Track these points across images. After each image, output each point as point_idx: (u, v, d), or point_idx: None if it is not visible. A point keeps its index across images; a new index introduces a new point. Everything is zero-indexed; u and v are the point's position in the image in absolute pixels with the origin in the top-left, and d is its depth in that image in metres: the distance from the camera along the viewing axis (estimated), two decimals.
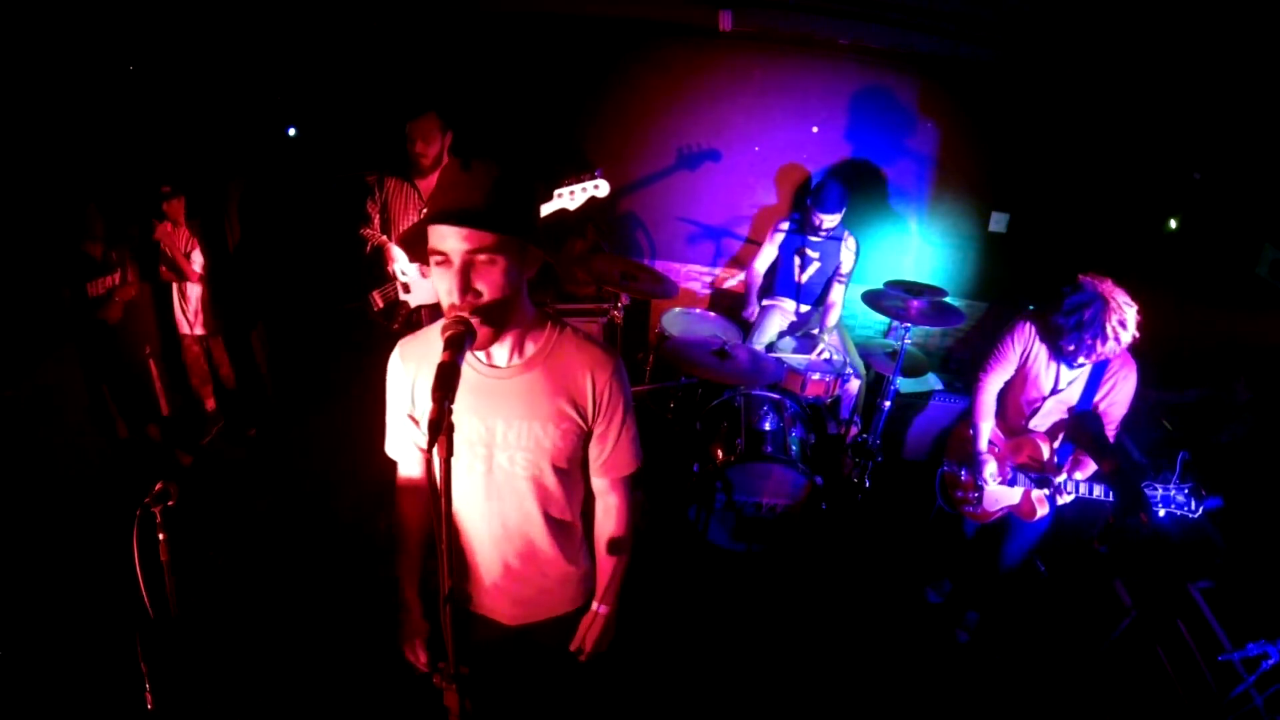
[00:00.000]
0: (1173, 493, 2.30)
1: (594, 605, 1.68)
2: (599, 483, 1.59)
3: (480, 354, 1.39)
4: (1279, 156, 3.11)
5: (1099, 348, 2.29)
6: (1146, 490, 2.32)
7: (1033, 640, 3.02)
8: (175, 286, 3.88)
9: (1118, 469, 1.92)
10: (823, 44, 4.01)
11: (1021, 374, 2.65)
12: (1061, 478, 2.53)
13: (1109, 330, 2.25)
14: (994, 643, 3.03)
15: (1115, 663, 2.80)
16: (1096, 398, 2.49)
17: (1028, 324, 2.59)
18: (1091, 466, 2.54)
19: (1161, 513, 2.32)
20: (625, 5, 3.93)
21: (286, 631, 2.74)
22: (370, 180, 3.42)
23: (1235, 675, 2.29)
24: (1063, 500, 2.57)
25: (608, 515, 1.64)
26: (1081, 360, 2.41)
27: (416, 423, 1.50)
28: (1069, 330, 2.33)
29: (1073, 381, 2.53)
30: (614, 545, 1.64)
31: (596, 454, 1.52)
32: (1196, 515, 2.31)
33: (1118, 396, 2.49)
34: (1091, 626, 2.93)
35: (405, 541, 1.64)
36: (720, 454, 3.27)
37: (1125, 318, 2.25)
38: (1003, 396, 2.77)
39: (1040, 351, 2.57)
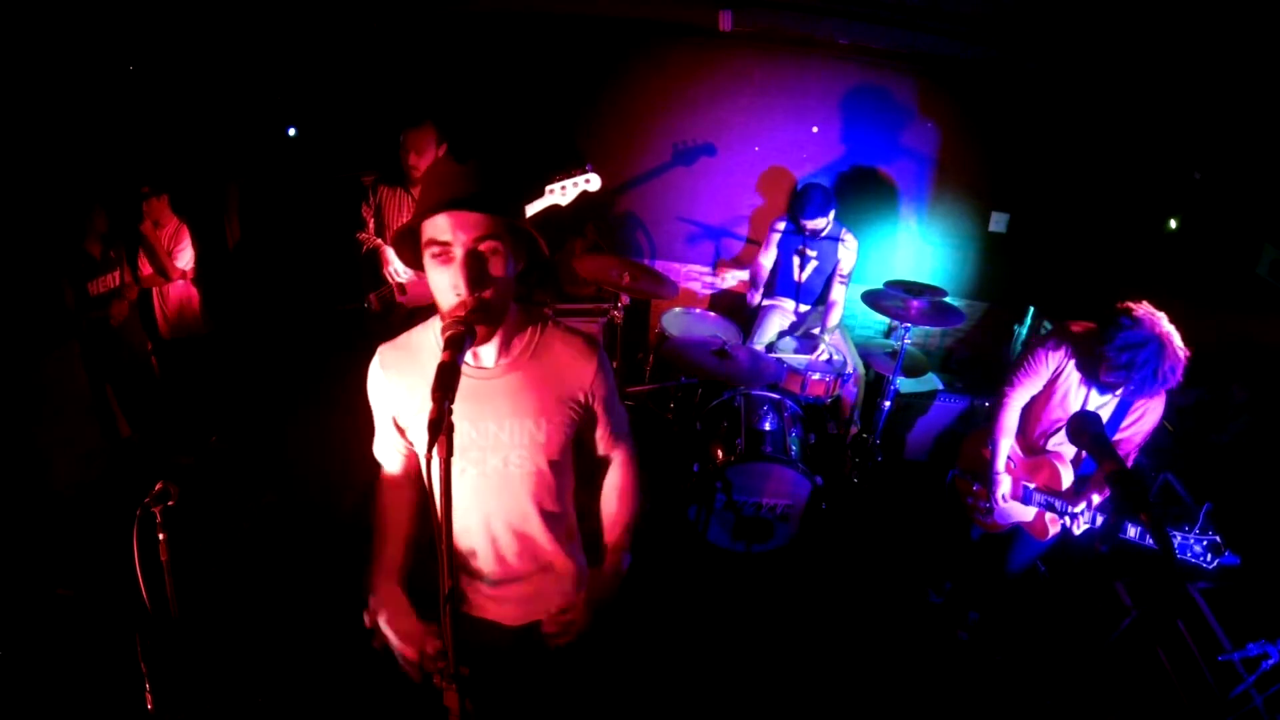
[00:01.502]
0: (1191, 542, 2.24)
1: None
2: (604, 451, 1.66)
3: (467, 356, 1.38)
4: (1279, 156, 3.11)
5: (1143, 389, 2.18)
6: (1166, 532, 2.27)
7: (1033, 640, 3.02)
8: (155, 291, 3.86)
9: (1118, 470, 1.91)
10: (823, 44, 4.01)
11: (1048, 391, 2.53)
12: (1080, 508, 2.44)
13: (1160, 375, 2.12)
14: (994, 642, 3.03)
15: (1115, 663, 2.80)
16: (1124, 423, 2.38)
17: (1064, 344, 2.44)
18: (1103, 490, 2.44)
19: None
20: (626, 5, 3.93)
21: (286, 631, 2.74)
22: (366, 182, 3.42)
23: (1235, 675, 2.29)
24: (1078, 530, 2.48)
25: (615, 468, 1.69)
26: (1119, 392, 2.31)
27: (402, 431, 1.51)
28: (1118, 367, 2.18)
29: (1102, 406, 2.41)
30: (623, 495, 1.68)
31: (600, 434, 1.60)
32: (1211, 568, 2.23)
33: (1144, 425, 2.37)
34: (1092, 626, 2.93)
35: (386, 532, 1.55)
36: (720, 454, 3.27)
37: (1178, 365, 2.13)
38: (1024, 413, 2.65)
39: (1073, 373, 2.43)
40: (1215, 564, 2.22)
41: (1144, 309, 2.18)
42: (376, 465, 1.63)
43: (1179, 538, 2.24)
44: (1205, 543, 2.23)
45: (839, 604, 3.20)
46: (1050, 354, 2.46)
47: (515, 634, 1.68)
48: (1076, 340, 2.41)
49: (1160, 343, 2.12)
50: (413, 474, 1.61)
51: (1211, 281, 3.44)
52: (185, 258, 3.82)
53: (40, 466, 3.20)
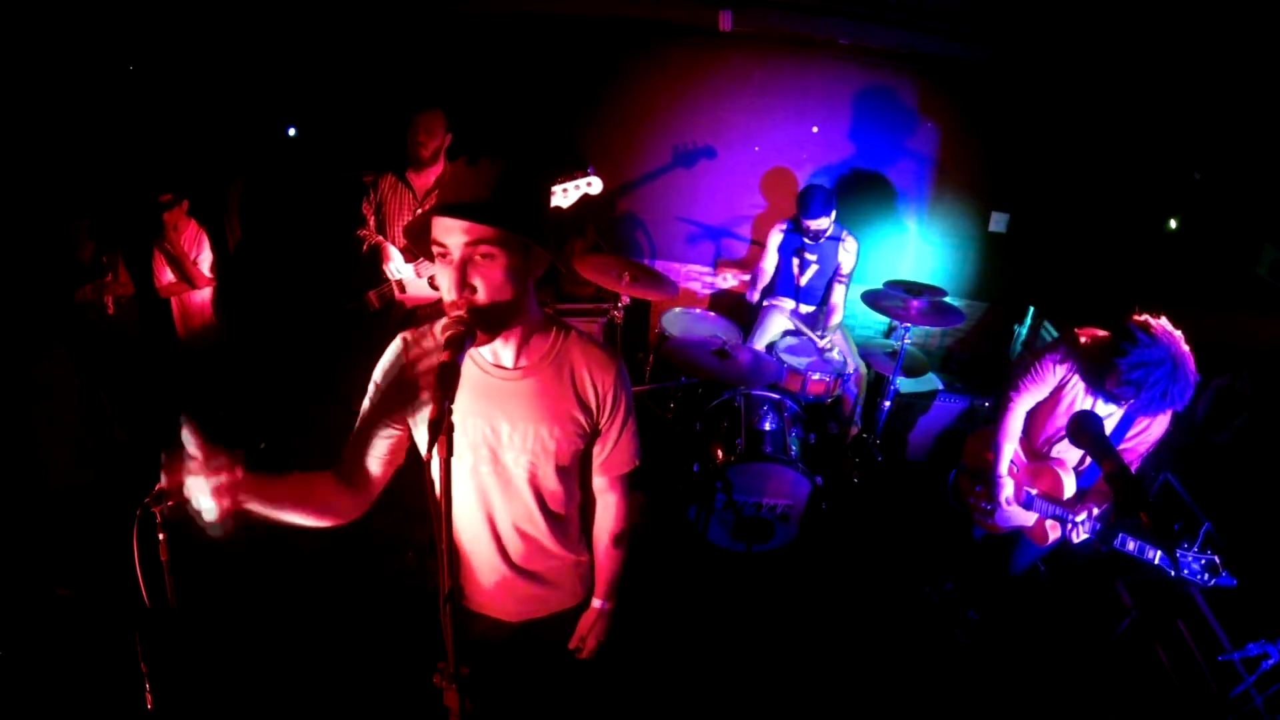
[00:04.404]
0: (1190, 560, 2.23)
1: (594, 601, 1.70)
2: (598, 481, 1.62)
3: (487, 354, 1.39)
4: (1279, 156, 3.11)
5: (1149, 408, 2.12)
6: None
7: (1033, 640, 3.02)
8: (174, 301, 3.82)
9: (1117, 470, 1.90)
10: (823, 44, 4.02)
11: (1053, 399, 2.49)
12: (1080, 517, 2.42)
13: (1169, 396, 2.06)
14: (994, 642, 3.03)
15: (1116, 662, 2.80)
16: (1128, 434, 2.34)
17: (1070, 356, 2.38)
18: (1105, 501, 2.44)
19: (1172, 574, 2.27)
20: (626, 5, 3.93)
21: (287, 631, 2.74)
22: (366, 180, 3.43)
23: (1235, 675, 2.29)
24: (1077, 539, 2.45)
25: (606, 512, 1.67)
26: (1124, 404, 2.25)
27: (402, 425, 1.44)
28: (1128, 383, 2.09)
29: (1108, 416, 2.34)
30: (613, 542, 1.67)
31: (598, 453, 1.55)
32: (1207, 586, 2.22)
33: (1149, 436, 2.33)
34: (1092, 626, 2.93)
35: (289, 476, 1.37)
36: (720, 454, 3.26)
37: (1188, 389, 2.06)
38: (1029, 419, 2.61)
39: (1078, 383, 2.39)
40: (1212, 583, 2.21)
41: (1161, 326, 2.10)
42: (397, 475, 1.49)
43: (1177, 554, 2.23)
44: (1203, 561, 2.22)
45: (839, 604, 3.20)
46: (1056, 365, 2.41)
47: (516, 630, 1.68)
48: (1083, 352, 2.35)
49: (1174, 364, 2.04)
50: (366, 480, 1.46)
51: (1211, 281, 3.44)
52: (206, 263, 3.78)
53: (40, 466, 3.20)
